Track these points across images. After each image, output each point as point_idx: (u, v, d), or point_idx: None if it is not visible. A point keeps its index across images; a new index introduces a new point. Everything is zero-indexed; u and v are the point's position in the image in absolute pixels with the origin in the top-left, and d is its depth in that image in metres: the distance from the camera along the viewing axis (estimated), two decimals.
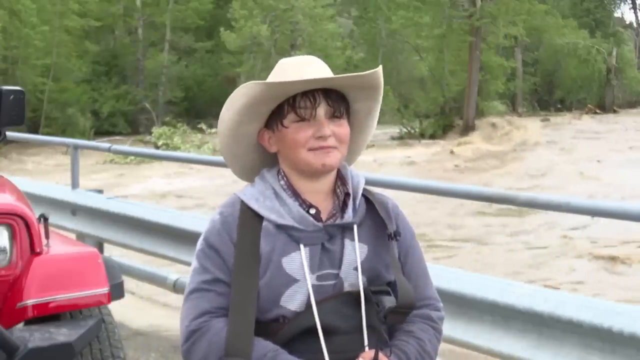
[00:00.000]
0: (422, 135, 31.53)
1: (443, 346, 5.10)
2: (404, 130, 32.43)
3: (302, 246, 1.72)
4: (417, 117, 33.25)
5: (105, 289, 3.62)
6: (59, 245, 3.79)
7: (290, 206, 1.74)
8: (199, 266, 1.74)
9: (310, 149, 1.73)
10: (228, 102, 1.76)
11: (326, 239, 1.74)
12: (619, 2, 57.55)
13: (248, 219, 1.73)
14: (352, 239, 1.76)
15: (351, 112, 1.81)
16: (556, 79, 47.37)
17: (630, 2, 57.13)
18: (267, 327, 1.69)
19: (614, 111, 43.82)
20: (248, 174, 1.87)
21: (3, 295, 3.42)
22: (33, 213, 3.61)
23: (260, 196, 1.76)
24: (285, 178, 1.78)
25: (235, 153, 1.83)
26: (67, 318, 3.58)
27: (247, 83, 1.72)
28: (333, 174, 1.81)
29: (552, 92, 47.67)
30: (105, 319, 3.73)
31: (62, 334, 3.33)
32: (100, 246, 6.36)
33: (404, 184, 4.75)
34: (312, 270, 1.71)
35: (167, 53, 36.52)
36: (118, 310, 4.32)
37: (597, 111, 43.05)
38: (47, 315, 3.49)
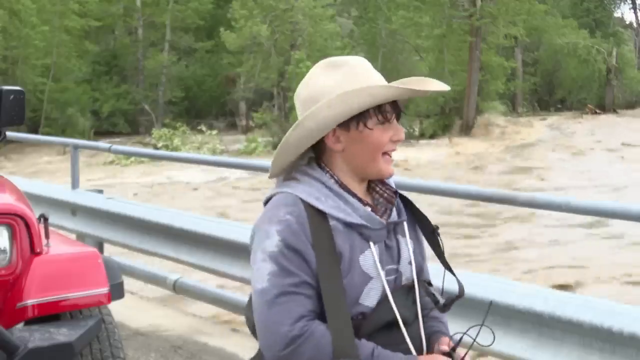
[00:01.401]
0: (422, 135, 31.53)
1: None
2: (404, 130, 32.40)
3: (371, 244, 1.76)
4: (417, 117, 33.23)
5: (105, 289, 3.62)
6: (59, 245, 3.79)
7: (354, 205, 1.77)
8: (279, 268, 1.69)
9: (384, 153, 1.79)
10: (343, 98, 1.72)
11: (386, 236, 1.80)
12: (619, 2, 57.52)
13: (317, 219, 1.72)
14: (404, 235, 1.84)
15: None
16: (556, 79, 47.34)
17: (630, 2, 57.12)
18: None
19: (614, 111, 43.81)
20: (281, 170, 1.83)
21: (3, 295, 3.42)
22: (33, 213, 3.61)
23: (321, 195, 1.75)
24: (335, 177, 1.79)
25: (301, 146, 1.78)
26: (67, 318, 3.58)
27: (376, 86, 1.74)
28: None
29: (552, 92, 47.66)
30: (105, 319, 3.73)
31: (62, 334, 3.33)
32: (100, 246, 6.36)
33: (403, 184, 4.74)
34: (382, 266, 1.77)
35: (167, 53, 36.51)
36: (118, 310, 4.32)
37: (597, 111, 43.05)
38: (47, 315, 3.49)
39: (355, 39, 43.98)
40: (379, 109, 1.76)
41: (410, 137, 31.36)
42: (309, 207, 1.73)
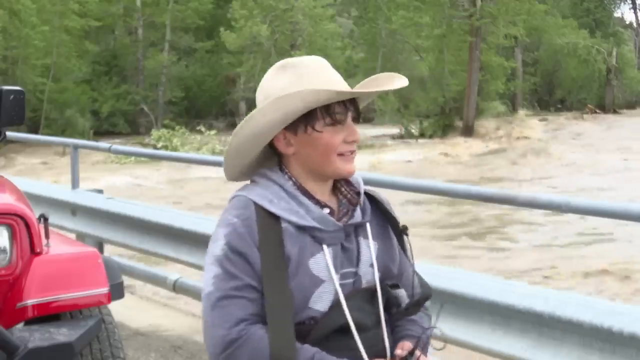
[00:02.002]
0: (422, 135, 31.53)
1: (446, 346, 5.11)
2: (404, 130, 32.42)
3: (325, 247, 1.72)
4: (417, 117, 33.23)
5: (105, 289, 3.62)
6: (59, 245, 3.79)
7: (308, 207, 1.74)
8: (223, 272, 1.68)
9: (339, 154, 1.74)
10: (275, 104, 1.69)
11: (344, 238, 1.76)
12: (619, 2, 57.59)
13: (267, 221, 1.70)
14: (366, 237, 1.79)
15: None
16: (556, 79, 47.38)
17: (630, 2, 57.15)
18: (297, 330, 1.67)
19: (615, 111, 43.82)
20: (239, 174, 1.84)
21: (3, 295, 3.42)
22: (33, 213, 3.61)
23: (274, 197, 1.73)
24: (293, 179, 1.77)
25: (244, 152, 1.78)
26: (67, 318, 3.58)
27: (305, 90, 1.68)
28: None
29: (552, 92, 47.69)
30: (105, 319, 3.73)
31: (62, 334, 3.33)
32: (100, 246, 6.35)
33: (404, 184, 4.74)
34: (336, 269, 1.73)
35: (167, 53, 36.50)
36: (118, 310, 4.31)
37: (597, 111, 43.07)
38: (47, 315, 3.49)
39: (355, 39, 44.02)
40: (326, 110, 1.72)
41: (410, 137, 31.42)
42: (260, 209, 1.71)
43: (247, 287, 1.66)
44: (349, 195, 1.82)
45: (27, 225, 3.49)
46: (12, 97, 3.72)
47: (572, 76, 46.03)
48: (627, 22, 58.76)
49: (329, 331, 1.70)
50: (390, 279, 1.81)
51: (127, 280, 4.60)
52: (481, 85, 33.54)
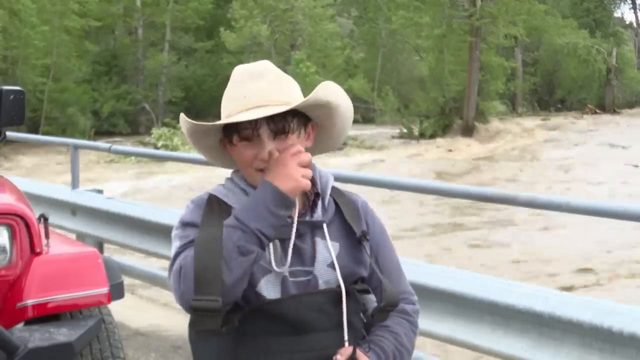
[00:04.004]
0: (422, 136, 31.51)
1: (446, 346, 5.08)
2: (405, 130, 32.40)
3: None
4: (417, 117, 33.22)
5: (105, 289, 3.62)
6: (59, 245, 3.79)
7: None
8: (179, 239, 1.77)
9: (257, 169, 1.76)
10: (181, 123, 1.83)
11: (295, 236, 1.75)
12: (619, 2, 57.59)
13: (217, 205, 1.78)
14: (323, 237, 1.78)
15: (311, 115, 1.82)
16: (556, 79, 47.38)
17: (630, 2, 57.15)
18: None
19: (615, 111, 43.82)
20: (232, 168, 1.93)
21: (3, 295, 3.42)
22: (33, 213, 3.61)
23: (230, 193, 1.81)
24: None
25: (211, 157, 1.92)
26: (67, 318, 3.58)
27: (182, 118, 1.81)
28: None
29: (552, 92, 47.69)
30: (105, 319, 3.74)
31: (62, 334, 3.33)
32: (100, 246, 6.35)
33: (404, 184, 4.74)
34: (278, 263, 1.73)
35: (167, 53, 36.50)
36: (118, 310, 4.32)
37: (597, 111, 43.07)
38: (47, 315, 3.49)
39: (355, 39, 44.04)
40: (235, 127, 1.76)
41: (410, 137, 31.41)
42: (214, 198, 1.80)
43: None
44: (311, 196, 1.82)
45: (27, 225, 3.50)
46: (12, 97, 3.72)
47: (572, 76, 46.03)
48: (627, 22, 58.80)
49: (271, 315, 1.70)
50: (355, 281, 1.79)
51: (127, 280, 4.60)
52: (481, 85, 33.52)
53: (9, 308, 3.42)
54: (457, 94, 33.17)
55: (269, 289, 1.72)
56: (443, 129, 32.25)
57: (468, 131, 31.57)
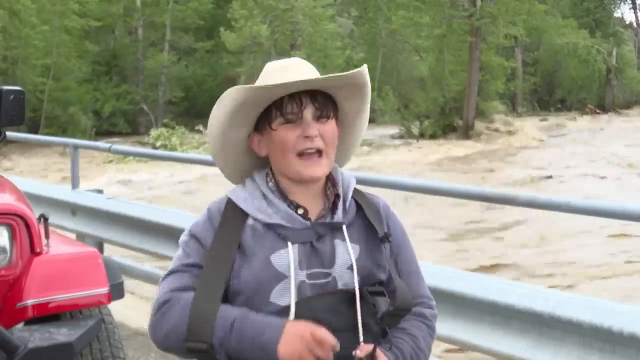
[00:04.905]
0: (422, 136, 31.51)
1: (446, 346, 5.07)
2: (405, 130, 32.40)
3: (289, 243, 1.74)
4: (417, 117, 33.22)
5: (105, 289, 3.62)
6: (59, 245, 3.79)
7: (278, 206, 1.77)
8: (182, 252, 1.80)
9: (299, 154, 1.74)
10: (217, 107, 1.78)
11: (315, 238, 1.76)
12: (619, 2, 57.55)
13: (232, 213, 1.78)
14: (343, 239, 1.77)
15: (340, 113, 1.83)
16: (556, 79, 47.36)
17: (630, 2, 57.13)
18: None
19: (615, 111, 43.81)
20: (239, 177, 1.89)
21: (3, 295, 3.42)
22: (33, 213, 3.61)
23: (249, 197, 1.79)
24: (274, 180, 1.81)
25: (226, 156, 1.86)
26: (67, 318, 3.58)
27: (234, 88, 1.74)
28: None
29: (552, 92, 47.67)
30: (105, 319, 3.73)
31: (62, 334, 3.33)
32: (100, 246, 6.35)
33: (404, 184, 4.74)
34: (301, 267, 1.73)
35: (167, 53, 36.50)
36: (118, 310, 4.31)
37: (597, 111, 43.07)
38: (47, 315, 3.49)
39: (355, 39, 44.02)
40: (279, 108, 1.74)
41: (410, 137, 31.41)
42: (232, 204, 1.79)
43: (195, 265, 1.77)
44: (331, 197, 1.82)
45: (27, 225, 3.50)
46: (12, 97, 3.72)
47: (572, 76, 46.01)
48: (627, 22, 58.73)
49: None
50: (374, 284, 1.79)
51: (127, 280, 4.60)
52: (481, 85, 33.51)
53: (9, 308, 3.42)
54: (457, 94, 33.15)
55: (283, 295, 1.71)
56: (443, 129, 32.24)
57: (468, 131, 31.56)
